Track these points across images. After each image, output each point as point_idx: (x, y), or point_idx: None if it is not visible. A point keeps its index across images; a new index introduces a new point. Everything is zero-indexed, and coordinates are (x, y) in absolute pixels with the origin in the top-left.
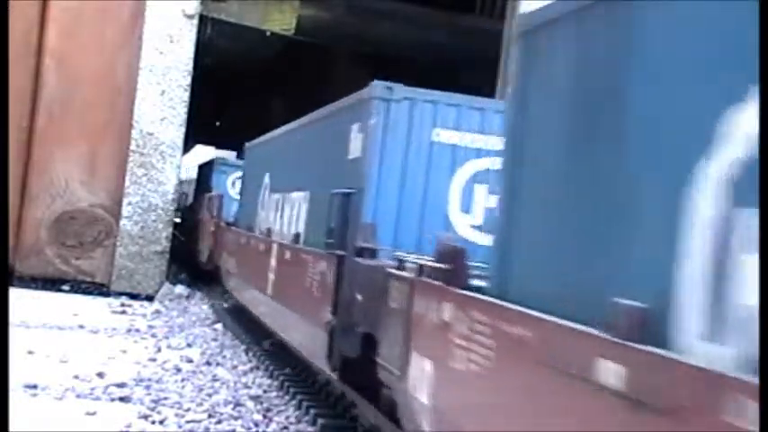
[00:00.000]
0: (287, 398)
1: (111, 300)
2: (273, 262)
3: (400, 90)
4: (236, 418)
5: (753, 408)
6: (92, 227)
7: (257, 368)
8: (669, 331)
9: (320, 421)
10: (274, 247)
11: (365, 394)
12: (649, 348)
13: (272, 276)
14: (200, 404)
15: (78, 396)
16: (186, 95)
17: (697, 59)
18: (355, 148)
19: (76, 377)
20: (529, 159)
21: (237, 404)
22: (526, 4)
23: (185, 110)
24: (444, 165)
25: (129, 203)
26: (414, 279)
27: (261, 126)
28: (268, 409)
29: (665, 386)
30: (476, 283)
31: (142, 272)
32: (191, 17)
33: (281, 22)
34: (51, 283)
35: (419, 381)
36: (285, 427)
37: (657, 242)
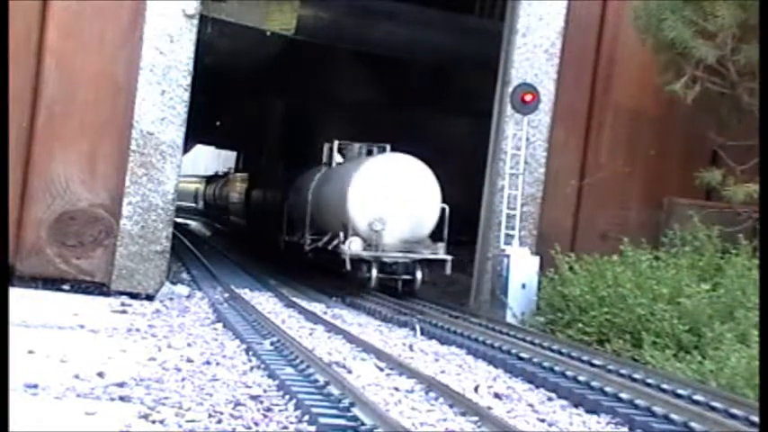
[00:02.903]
0: (287, 398)
1: (111, 299)
2: None
3: None
4: (236, 418)
5: None
6: (92, 226)
7: (257, 368)
8: None
9: (320, 421)
10: None
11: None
12: None
13: None
14: (201, 404)
15: (78, 396)
16: (186, 95)
17: None
18: None
19: (76, 377)
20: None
21: (237, 404)
22: (526, 5)
23: (185, 110)
24: None
25: (130, 203)
26: None
27: (261, 126)
28: (268, 409)
29: None
30: None
31: (142, 271)
32: (191, 17)
33: (281, 22)
34: (51, 283)
35: None
36: (285, 427)
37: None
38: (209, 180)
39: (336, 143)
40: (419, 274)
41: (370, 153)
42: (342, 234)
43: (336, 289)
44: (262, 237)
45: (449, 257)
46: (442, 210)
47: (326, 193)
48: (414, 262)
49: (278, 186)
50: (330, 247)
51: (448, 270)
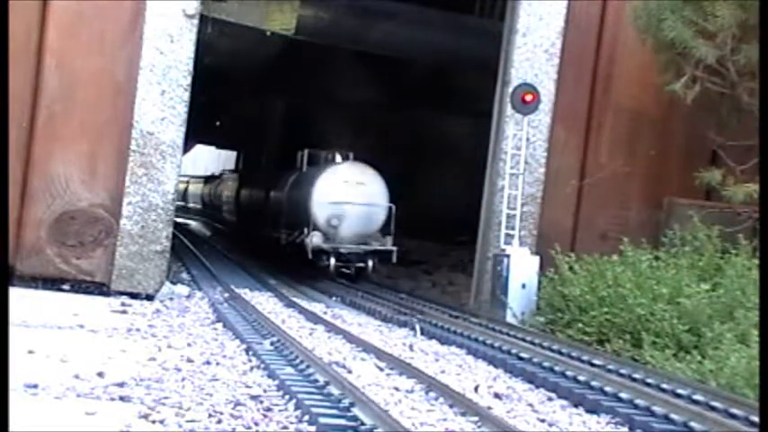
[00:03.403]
0: (287, 398)
1: (111, 299)
2: None
3: None
4: (236, 418)
5: None
6: (92, 226)
7: (257, 368)
8: None
9: (320, 421)
10: None
11: None
12: None
13: None
14: (201, 404)
15: (78, 396)
16: (186, 95)
17: None
18: None
19: (76, 377)
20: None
21: (237, 404)
22: (526, 5)
23: (185, 110)
24: None
25: (130, 203)
26: None
27: (261, 126)
28: (268, 409)
29: None
30: None
31: (142, 271)
32: (191, 17)
33: (281, 22)
34: (51, 283)
35: None
36: (285, 427)
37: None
38: (206, 180)
39: (306, 151)
40: (370, 263)
41: (335, 160)
42: (306, 229)
43: (303, 275)
44: (249, 232)
45: (394, 248)
46: (389, 209)
47: (296, 195)
48: (365, 252)
49: (262, 187)
50: (297, 241)
51: (393, 259)
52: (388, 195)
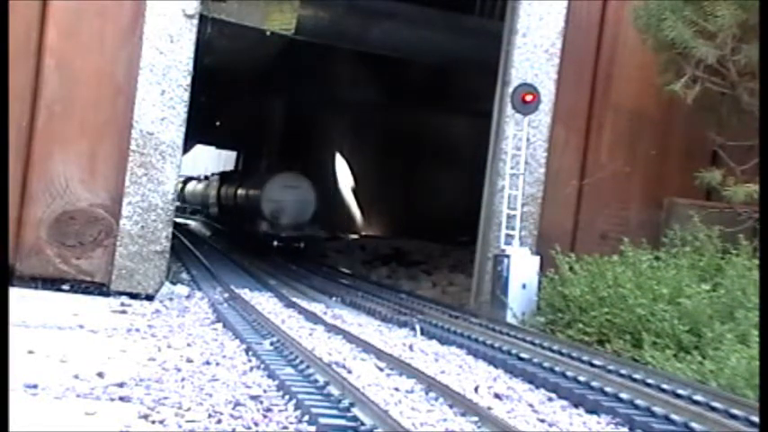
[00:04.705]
0: (287, 398)
1: (110, 300)
2: None
3: None
4: (235, 418)
5: None
6: (92, 226)
7: (257, 368)
8: None
9: (320, 421)
10: None
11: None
12: None
13: None
14: (200, 404)
15: (78, 396)
16: (186, 95)
17: None
18: None
19: (76, 377)
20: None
21: (237, 404)
22: (526, 5)
23: (185, 110)
24: None
25: (129, 203)
26: None
27: (261, 126)
28: (268, 409)
29: None
30: None
31: (142, 272)
32: (191, 17)
33: (281, 21)
34: (51, 283)
35: None
36: (285, 427)
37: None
38: (198, 181)
39: (265, 162)
40: (302, 244)
41: (289, 169)
42: (258, 219)
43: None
44: (226, 223)
45: (321, 232)
46: (316, 206)
47: (253, 194)
48: (299, 236)
49: (234, 188)
50: (254, 228)
51: (323, 237)
52: (315, 196)
